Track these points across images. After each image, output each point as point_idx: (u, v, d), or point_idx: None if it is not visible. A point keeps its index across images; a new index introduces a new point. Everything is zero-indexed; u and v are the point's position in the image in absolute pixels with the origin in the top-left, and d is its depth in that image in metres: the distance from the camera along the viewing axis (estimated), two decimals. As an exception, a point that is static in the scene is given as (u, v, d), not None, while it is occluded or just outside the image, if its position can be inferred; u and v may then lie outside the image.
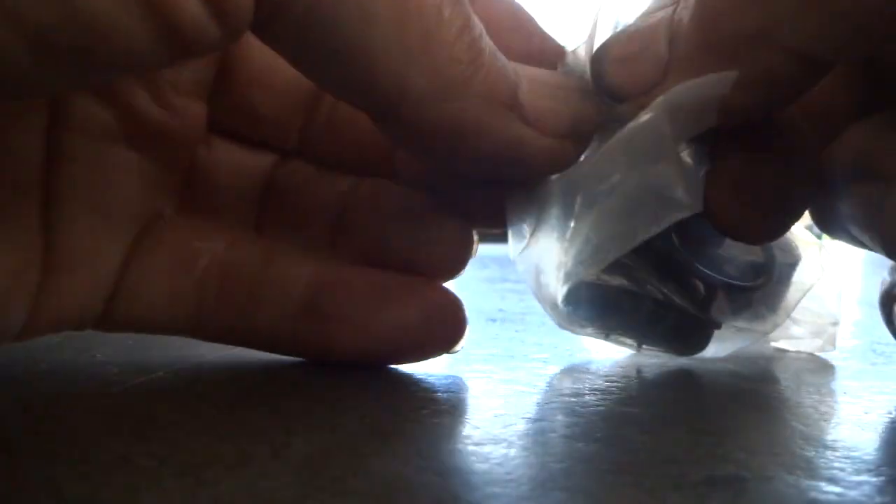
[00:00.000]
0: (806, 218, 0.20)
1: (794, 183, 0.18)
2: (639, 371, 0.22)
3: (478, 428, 0.16)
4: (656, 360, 0.23)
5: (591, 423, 0.17)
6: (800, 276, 0.23)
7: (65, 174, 0.18)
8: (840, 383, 0.22)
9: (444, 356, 0.22)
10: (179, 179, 0.20)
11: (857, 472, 0.14)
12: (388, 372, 0.21)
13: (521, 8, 0.20)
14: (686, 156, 0.18)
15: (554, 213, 0.19)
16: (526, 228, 0.20)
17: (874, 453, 0.15)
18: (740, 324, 0.23)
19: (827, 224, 0.21)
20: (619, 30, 0.18)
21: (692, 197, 0.17)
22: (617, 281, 0.22)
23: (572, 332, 0.22)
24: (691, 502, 0.12)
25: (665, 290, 0.22)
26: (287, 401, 0.18)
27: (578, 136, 0.18)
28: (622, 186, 0.17)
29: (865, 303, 0.40)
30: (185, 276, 0.20)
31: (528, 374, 0.21)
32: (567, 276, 0.19)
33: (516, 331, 0.29)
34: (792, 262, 0.23)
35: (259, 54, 0.20)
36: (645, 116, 0.17)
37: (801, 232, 0.24)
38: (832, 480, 0.13)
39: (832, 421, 0.18)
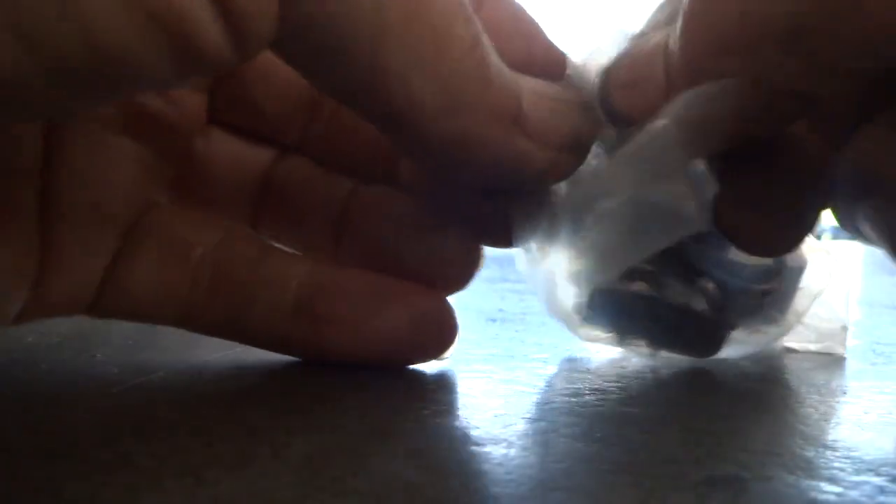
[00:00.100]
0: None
1: (806, 194, 0.18)
2: (639, 371, 0.22)
3: (478, 428, 0.16)
4: (656, 360, 0.23)
5: (591, 423, 0.17)
6: (807, 281, 0.23)
7: (62, 162, 0.18)
8: (840, 383, 0.22)
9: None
10: (175, 170, 0.20)
11: (857, 472, 0.14)
12: (388, 372, 0.21)
13: (526, 13, 0.20)
14: (695, 170, 0.18)
15: (564, 227, 0.19)
16: (535, 245, 0.20)
17: (874, 453, 0.15)
18: (753, 327, 0.23)
19: (841, 223, 0.21)
20: (622, 51, 0.18)
21: (702, 213, 0.17)
22: (634, 286, 0.22)
23: (587, 340, 0.23)
24: (691, 502, 0.12)
25: (683, 293, 0.22)
26: (287, 401, 0.18)
27: (577, 149, 0.18)
28: (632, 202, 0.18)
29: (865, 303, 0.40)
30: (176, 268, 0.20)
31: (528, 374, 0.21)
32: (582, 285, 0.19)
33: (516, 331, 0.29)
34: (800, 267, 0.23)
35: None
36: (654, 128, 0.17)
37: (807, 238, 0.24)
38: (832, 480, 0.13)
39: (832, 421, 0.18)
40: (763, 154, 0.18)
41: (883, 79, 0.19)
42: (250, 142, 0.21)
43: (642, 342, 0.23)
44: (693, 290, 0.22)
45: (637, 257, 0.18)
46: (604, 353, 0.24)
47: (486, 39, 0.16)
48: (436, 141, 0.16)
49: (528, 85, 0.17)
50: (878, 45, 0.14)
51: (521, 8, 0.20)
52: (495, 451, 0.14)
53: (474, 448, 0.15)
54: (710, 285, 0.22)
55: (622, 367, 0.23)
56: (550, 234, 0.19)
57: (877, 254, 0.19)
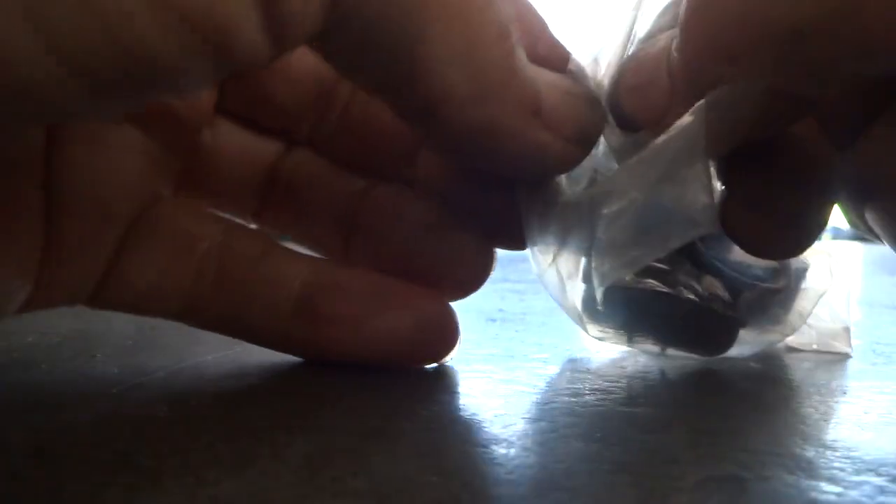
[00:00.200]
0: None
1: (809, 195, 0.18)
2: (639, 371, 0.22)
3: (478, 428, 0.16)
4: (656, 360, 0.23)
5: (591, 423, 0.17)
6: (810, 282, 0.24)
7: (66, 152, 0.18)
8: (840, 383, 0.22)
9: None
10: (182, 163, 0.20)
11: (857, 472, 0.14)
12: (388, 372, 0.21)
13: (533, 10, 0.20)
14: (703, 173, 0.19)
15: (577, 227, 0.19)
16: (547, 247, 0.20)
17: (874, 453, 0.15)
18: (760, 326, 0.23)
19: (851, 223, 0.21)
20: (630, 54, 0.18)
21: (710, 216, 0.17)
22: (648, 284, 0.22)
23: (596, 337, 0.23)
24: (691, 502, 0.12)
25: (695, 291, 0.22)
26: (287, 401, 0.18)
27: (584, 141, 0.18)
28: (646, 202, 0.18)
29: (865, 303, 0.40)
30: (180, 261, 0.19)
31: (528, 374, 0.21)
32: (596, 282, 0.19)
33: (516, 331, 0.29)
34: (804, 267, 0.24)
35: None
36: (680, 128, 0.17)
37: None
38: (832, 480, 0.13)
39: (832, 421, 0.18)
40: (765, 155, 0.18)
41: (885, 79, 0.19)
42: (257, 134, 0.21)
43: (651, 340, 0.23)
44: (704, 288, 0.22)
45: (650, 257, 0.18)
46: (604, 353, 0.24)
47: (514, 28, 0.16)
48: (464, 130, 0.16)
49: (545, 77, 0.18)
50: (879, 48, 0.14)
51: (529, 4, 0.20)
52: (495, 451, 0.14)
53: (474, 448, 0.15)
54: (721, 284, 0.22)
55: (622, 368, 0.23)
56: (563, 234, 0.19)
57: (877, 254, 0.19)
